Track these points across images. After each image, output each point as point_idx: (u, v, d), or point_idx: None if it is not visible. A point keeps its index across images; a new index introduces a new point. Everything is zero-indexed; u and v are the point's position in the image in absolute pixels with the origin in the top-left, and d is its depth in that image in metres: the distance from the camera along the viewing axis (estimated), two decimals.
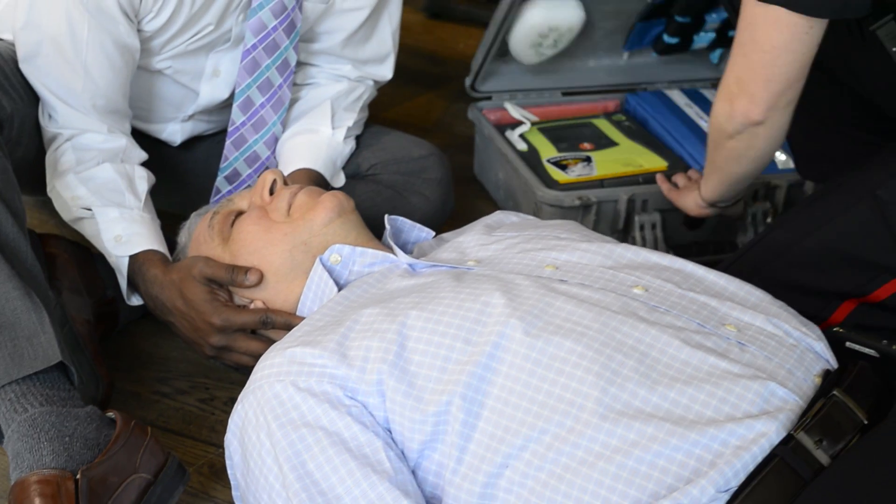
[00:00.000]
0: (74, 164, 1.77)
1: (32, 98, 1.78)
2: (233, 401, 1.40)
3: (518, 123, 2.35)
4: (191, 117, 2.00)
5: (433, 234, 1.68)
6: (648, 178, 2.16)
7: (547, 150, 2.24)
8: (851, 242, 1.67)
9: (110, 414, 1.47)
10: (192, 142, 2.07)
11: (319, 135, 1.95)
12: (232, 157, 1.94)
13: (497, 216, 1.69)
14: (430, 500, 1.33)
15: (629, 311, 1.34)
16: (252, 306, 1.61)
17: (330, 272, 1.55)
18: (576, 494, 1.24)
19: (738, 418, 1.25)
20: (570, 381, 1.28)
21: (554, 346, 1.30)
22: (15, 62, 1.75)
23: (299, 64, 2.00)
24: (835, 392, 1.28)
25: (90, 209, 1.74)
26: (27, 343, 1.43)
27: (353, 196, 1.94)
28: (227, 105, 1.95)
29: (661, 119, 2.32)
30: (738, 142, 1.66)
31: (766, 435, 1.24)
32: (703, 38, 2.45)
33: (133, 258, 1.71)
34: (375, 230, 1.67)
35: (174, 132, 2.01)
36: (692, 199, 1.94)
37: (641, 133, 2.32)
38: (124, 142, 1.82)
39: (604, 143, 2.27)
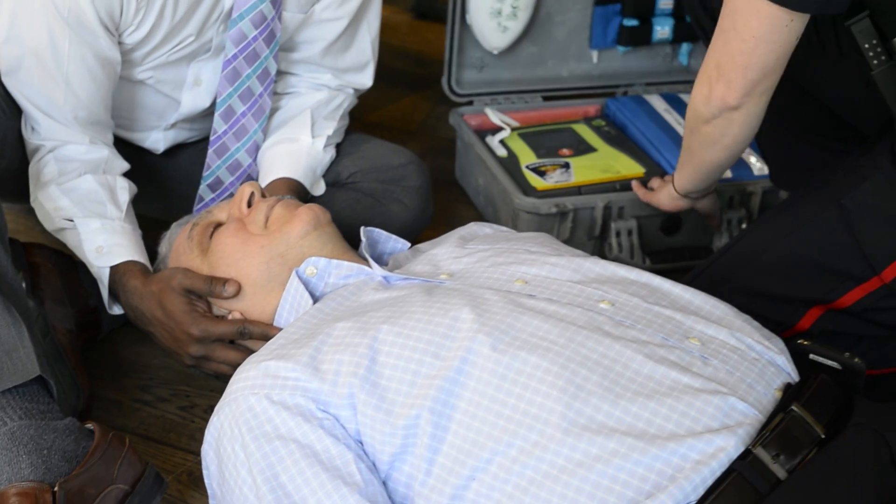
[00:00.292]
0: (57, 175, 1.80)
1: (15, 110, 1.81)
2: (213, 408, 1.43)
3: (500, 129, 2.38)
4: (173, 125, 2.02)
5: (409, 245, 1.71)
6: (625, 184, 2.18)
7: (526, 157, 2.26)
8: (818, 250, 1.70)
9: (89, 425, 1.50)
10: (175, 149, 2.09)
11: (299, 144, 1.98)
12: (214, 165, 1.97)
13: (471, 227, 1.72)
14: None
15: (594, 326, 1.38)
16: (230, 317, 1.65)
17: (306, 284, 1.58)
18: None
19: (698, 433, 1.28)
20: (535, 396, 1.31)
21: (520, 362, 1.33)
22: None
23: (280, 73, 2.03)
24: (793, 406, 1.31)
25: (72, 220, 1.77)
26: (6, 357, 1.46)
27: (333, 204, 1.99)
28: (209, 113, 1.98)
29: (640, 125, 2.35)
30: (714, 127, 1.69)
31: (724, 449, 1.27)
32: (661, 22, 2.49)
33: (114, 269, 1.74)
34: (355, 238, 1.70)
35: (157, 140, 2.04)
36: (666, 193, 1.98)
37: (620, 139, 2.35)
38: (106, 153, 1.84)
39: (583, 148, 2.30)
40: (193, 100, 1.95)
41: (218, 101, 1.91)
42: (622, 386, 1.31)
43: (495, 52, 2.44)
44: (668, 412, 1.29)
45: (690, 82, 2.39)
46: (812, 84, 1.84)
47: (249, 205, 1.66)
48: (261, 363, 1.42)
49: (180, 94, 1.95)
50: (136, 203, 1.90)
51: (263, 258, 1.60)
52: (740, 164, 2.24)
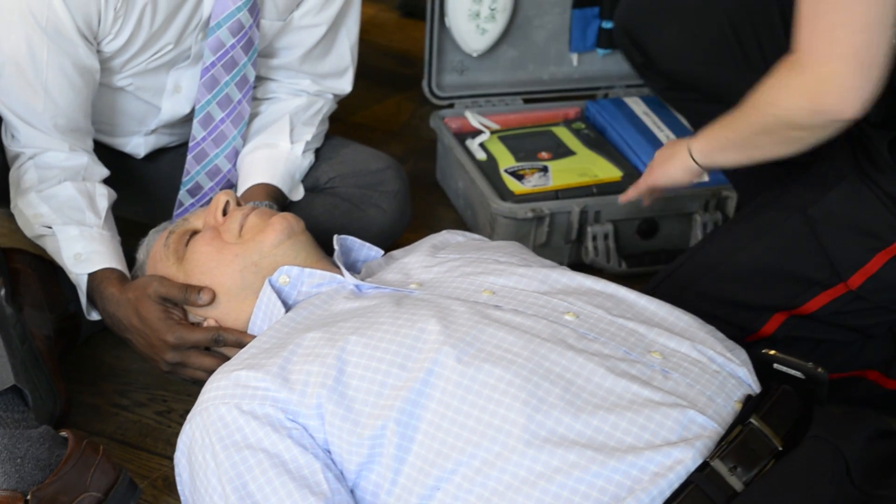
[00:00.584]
0: (37, 182, 1.82)
1: None
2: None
3: (481, 132, 2.40)
4: (154, 131, 2.04)
5: (382, 252, 1.73)
6: (603, 188, 2.20)
7: (505, 160, 2.28)
8: (782, 258, 1.72)
9: (64, 433, 1.53)
10: (156, 154, 2.11)
11: (278, 149, 2.00)
12: (193, 170, 1.99)
13: (443, 236, 1.74)
14: None
15: (558, 339, 1.40)
16: (205, 324, 1.67)
17: (279, 293, 1.60)
18: None
19: (656, 445, 1.30)
20: (498, 408, 1.33)
21: (484, 374, 1.35)
22: None
23: (259, 79, 2.05)
24: (752, 419, 1.33)
25: (51, 227, 1.79)
26: None
27: (312, 209, 2.01)
28: (189, 119, 2.00)
29: (619, 128, 2.37)
30: (810, 132, 1.56)
31: (682, 462, 1.29)
32: None
33: (91, 276, 1.76)
34: (332, 245, 1.72)
35: (138, 145, 2.06)
36: (680, 165, 1.77)
37: (599, 142, 2.37)
38: (86, 159, 1.86)
39: (562, 152, 2.32)
40: (173, 106, 1.97)
41: (196, 108, 1.93)
42: (584, 399, 1.34)
43: (475, 54, 2.46)
44: (627, 425, 1.31)
45: None
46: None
47: (225, 213, 1.68)
48: (231, 373, 1.45)
49: (160, 100, 1.96)
50: (118, 207, 1.93)
51: (237, 267, 1.63)
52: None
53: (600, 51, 2.55)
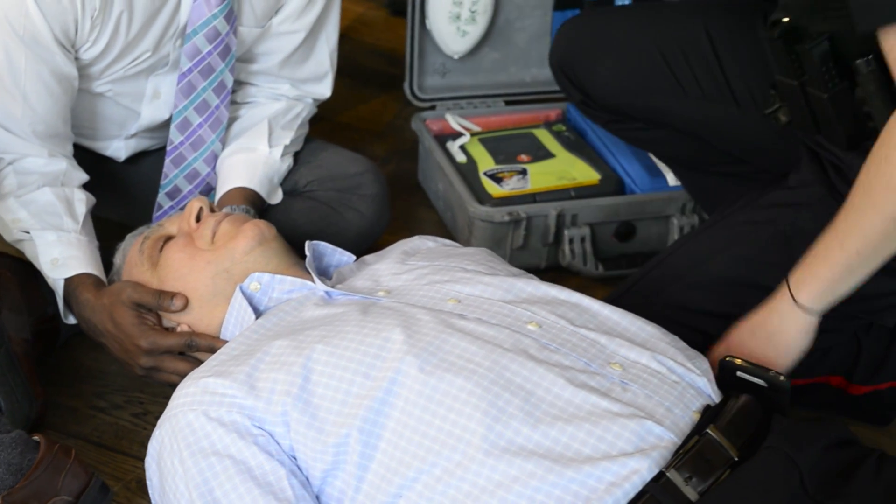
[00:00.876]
0: (16, 187, 1.84)
1: None
2: None
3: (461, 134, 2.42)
4: (134, 135, 2.06)
5: (354, 258, 1.75)
6: (580, 191, 2.22)
7: (485, 162, 2.30)
8: (752, 269, 1.74)
9: (36, 437, 1.55)
10: (137, 156, 2.13)
11: (257, 153, 2.02)
12: (172, 174, 2.01)
13: (414, 242, 1.76)
14: None
15: (520, 349, 1.42)
16: (178, 329, 1.69)
17: (250, 299, 1.62)
18: None
19: (613, 456, 1.32)
20: (458, 418, 1.36)
21: (446, 384, 1.38)
22: None
23: (238, 83, 2.07)
24: (708, 429, 1.35)
25: (29, 232, 1.82)
26: None
27: (290, 213, 2.03)
28: (169, 123, 2.02)
29: (599, 130, 2.38)
30: None
31: (638, 472, 1.31)
32: None
33: (68, 281, 1.79)
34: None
35: (118, 149, 2.08)
36: (796, 329, 1.57)
37: (579, 144, 2.38)
38: (65, 165, 1.88)
39: (541, 154, 2.34)
40: (153, 112, 1.99)
41: (174, 113, 1.94)
42: (542, 410, 1.36)
43: (456, 56, 2.48)
44: (584, 437, 1.34)
45: None
46: (717, 138, 1.90)
47: (199, 219, 1.70)
48: (200, 380, 1.47)
49: (140, 106, 1.98)
50: (99, 208, 1.95)
51: (209, 273, 1.65)
52: None
53: None
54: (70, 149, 1.92)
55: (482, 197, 2.20)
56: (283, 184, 2.06)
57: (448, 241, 1.78)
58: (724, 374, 1.52)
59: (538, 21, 2.52)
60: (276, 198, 2.04)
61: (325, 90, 2.12)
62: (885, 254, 1.46)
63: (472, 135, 2.39)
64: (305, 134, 2.13)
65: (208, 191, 2.04)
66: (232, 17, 1.87)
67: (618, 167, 2.30)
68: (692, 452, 1.33)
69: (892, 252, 1.46)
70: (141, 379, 1.85)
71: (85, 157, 1.99)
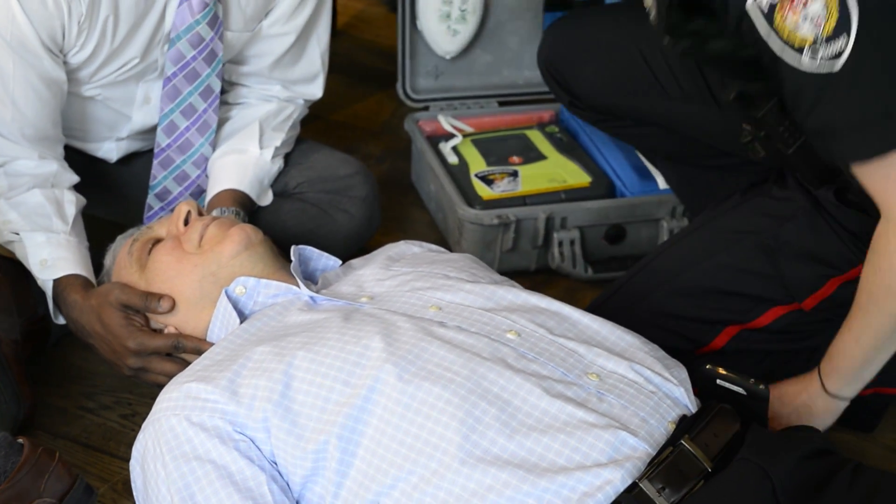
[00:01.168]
0: (6, 189, 1.85)
1: None
2: None
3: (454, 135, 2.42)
4: (125, 137, 2.07)
5: (340, 262, 1.77)
6: (571, 194, 2.23)
7: (476, 164, 2.31)
8: (736, 278, 1.75)
9: (20, 440, 1.56)
10: (129, 157, 2.14)
11: (247, 154, 2.03)
12: (160, 176, 2.03)
13: (400, 247, 1.78)
14: None
15: (498, 358, 1.43)
16: (165, 331, 1.71)
17: (235, 303, 1.64)
18: None
19: (587, 466, 1.34)
20: (435, 427, 1.37)
21: (423, 392, 1.39)
22: None
23: (230, 84, 2.08)
24: (682, 440, 1.37)
25: (19, 233, 1.83)
26: None
27: (280, 214, 2.04)
28: None
29: (590, 132, 2.39)
30: None
31: (611, 482, 1.33)
32: None
33: (56, 282, 1.80)
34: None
35: (110, 150, 2.09)
36: (825, 410, 1.67)
37: (572, 146, 2.39)
38: (55, 167, 1.89)
39: (533, 156, 2.34)
40: (144, 117, 2.00)
41: (160, 116, 1.96)
42: (518, 420, 1.37)
43: (448, 56, 2.49)
44: (559, 447, 1.35)
45: None
46: (701, 135, 1.92)
47: (187, 222, 1.72)
48: (183, 385, 1.49)
49: (131, 110, 1.99)
50: (91, 207, 1.96)
51: (196, 276, 1.67)
52: None
53: None
54: (61, 151, 1.93)
55: (472, 199, 2.21)
56: (273, 185, 2.07)
57: (434, 247, 1.79)
58: (705, 383, 1.54)
59: (530, 23, 2.53)
60: (266, 199, 2.05)
61: (316, 91, 2.13)
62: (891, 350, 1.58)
63: (465, 136, 2.40)
64: (297, 135, 2.14)
65: (199, 193, 2.05)
66: (217, 22, 1.87)
67: (608, 170, 2.31)
68: (666, 463, 1.35)
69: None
70: (130, 380, 1.87)
71: (77, 156, 2.00)
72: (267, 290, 1.64)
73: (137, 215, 2.11)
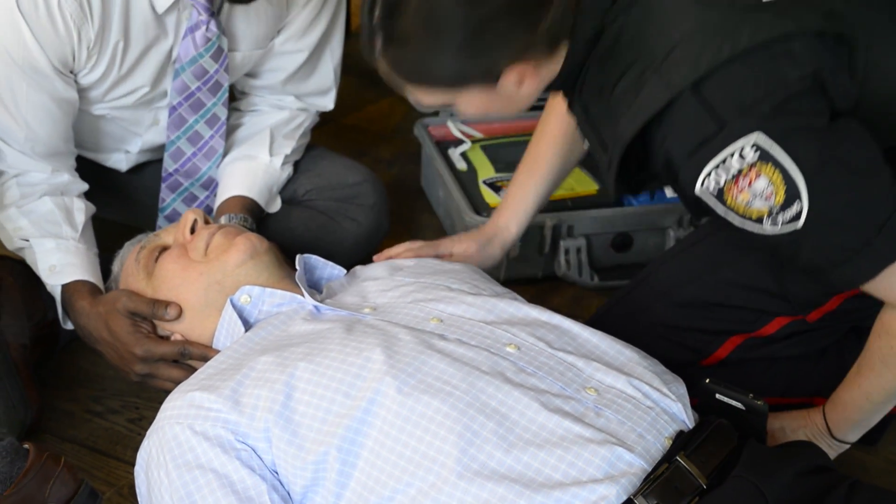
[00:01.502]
0: (18, 198, 1.88)
1: None
2: None
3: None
4: (135, 152, 2.09)
5: (344, 272, 1.78)
6: (578, 202, 2.24)
7: (485, 171, 2.32)
8: (741, 295, 1.76)
9: (26, 446, 1.59)
10: (139, 166, 2.16)
11: (257, 161, 2.05)
12: (169, 199, 2.06)
13: None
14: None
15: (497, 371, 1.45)
16: (172, 338, 1.73)
17: (240, 312, 1.65)
18: None
19: (582, 482, 1.35)
20: (433, 440, 1.38)
21: (422, 405, 1.40)
22: None
23: (243, 93, 2.10)
24: (678, 457, 1.38)
25: (28, 240, 1.86)
26: None
27: (289, 221, 2.06)
28: None
29: None
30: None
31: (606, 498, 1.34)
32: None
33: (64, 287, 1.83)
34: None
35: (119, 161, 2.11)
36: (828, 450, 1.69)
37: None
38: (67, 178, 1.92)
39: None
40: (153, 136, 2.04)
41: (167, 143, 1.98)
42: (516, 435, 1.38)
43: None
44: (556, 462, 1.36)
45: None
46: None
47: (193, 231, 1.73)
48: (187, 393, 1.50)
49: (140, 129, 2.02)
50: (102, 210, 1.99)
51: (202, 284, 1.68)
52: None
53: None
54: (72, 162, 1.96)
55: (480, 206, 2.22)
56: (282, 192, 2.09)
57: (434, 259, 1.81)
58: (705, 398, 1.54)
59: None
60: (275, 207, 2.07)
61: (328, 103, 2.15)
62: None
63: (474, 142, 2.41)
64: (307, 143, 2.15)
65: (209, 212, 2.07)
66: (221, 55, 1.89)
67: None
68: (661, 480, 1.35)
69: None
70: (137, 384, 1.89)
71: (88, 164, 2.03)
72: (271, 299, 1.66)
73: (148, 218, 2.13)
